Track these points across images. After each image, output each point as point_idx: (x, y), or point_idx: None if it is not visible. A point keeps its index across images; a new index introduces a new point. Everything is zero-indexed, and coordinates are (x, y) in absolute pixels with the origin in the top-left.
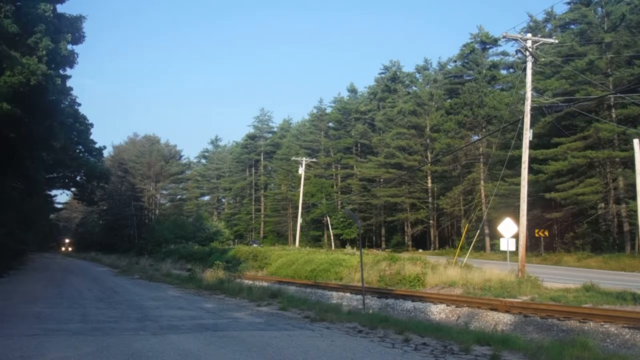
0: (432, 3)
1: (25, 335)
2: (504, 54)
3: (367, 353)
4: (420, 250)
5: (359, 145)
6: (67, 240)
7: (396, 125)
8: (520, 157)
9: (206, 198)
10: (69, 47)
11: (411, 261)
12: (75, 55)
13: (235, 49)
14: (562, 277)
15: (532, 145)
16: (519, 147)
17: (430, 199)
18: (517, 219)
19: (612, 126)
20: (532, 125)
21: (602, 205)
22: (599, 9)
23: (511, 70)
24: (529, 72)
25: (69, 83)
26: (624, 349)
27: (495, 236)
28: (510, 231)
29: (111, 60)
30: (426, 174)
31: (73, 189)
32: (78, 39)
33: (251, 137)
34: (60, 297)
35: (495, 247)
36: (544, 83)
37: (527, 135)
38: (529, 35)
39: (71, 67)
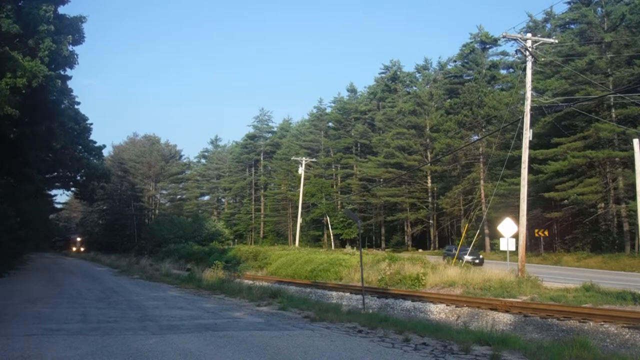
0: (432, 3)
1: (25, 335)
2: (504, 54)
3: (367, 353)
4: (420, 250)
5: (358, 145)
6: (78, 239)
7: (396, 125)
8: (520, 157)
9: (206, 198)
10: (70, 47)
11: (411, 261)
12: (76, 56)
13: (236, 49)
14: (561, 277)
15: (532, 145)
16: (518, 147)
17: (430, 199)
18: (517, 218)
19: (612, 126)
20: (532, 125)
21: (602, 205)
22: (599, 8)
23: (511, 70)
24: (528, 72)
25: (68, 83)
26: (624, 349)
27: (495, 236)
28: (510, 231)
29: (111, 61)
30: (426, 174)
31: (73, 189)
32: (78, 40)
33: (251, 137)
34: (60, 297)
35: (495, 246)
36: (544, 83)
37: (527, 135)
38: (529, 35)
39: (71, 67)
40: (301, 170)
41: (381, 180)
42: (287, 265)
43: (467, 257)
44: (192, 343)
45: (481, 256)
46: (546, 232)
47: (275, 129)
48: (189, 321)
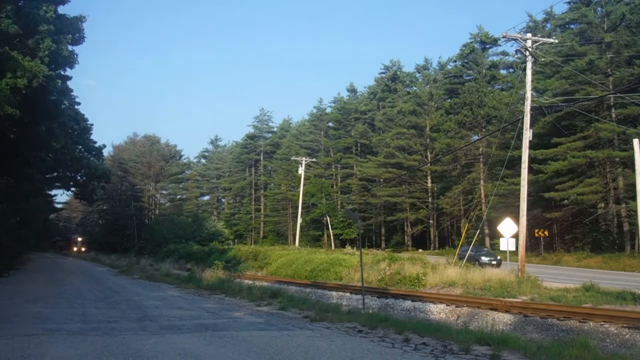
0: (432, 3)
1: (25, 335)
2: (504, 54)
3: (367, 353)
4: (420, 250)
5: (358, 145)
6: (79, 239)
7: (396, 125)
8: (520, 157)
9: (206, 198)
10: (69, 47)
11: (411, 261)
12: (75, 56)
13: (235, 49)
14: (561, 277)
15: (532, 145)
16: (518, 147)
17: (430, 199)
18: (517, 218)
19: (612, 126)
20: (532, 125)
21: (602, 205)
22: (599, 8)
23: (511, 70)
24: (528, 72)
25: (69, 83)
26: (624, 349)
27: (495, 236)
28: (510, 231)
29: (111, 61)
30: (426, 174)
31: (73, 189)
32: (78, 39)
33: (251, 137)
34: (60, 297)
35: (495, 247)
36: (544, 83)
37: (527, 135)
38: (529, 35)
39: (71, 67)
40: (301, 170)
41: (381, 180)
42: (287, 265)
43: (484, 259)
44: (192, 343)
45: (499, 257)
46: (546, 232)
47: (275, 129)
48: (189, 321)
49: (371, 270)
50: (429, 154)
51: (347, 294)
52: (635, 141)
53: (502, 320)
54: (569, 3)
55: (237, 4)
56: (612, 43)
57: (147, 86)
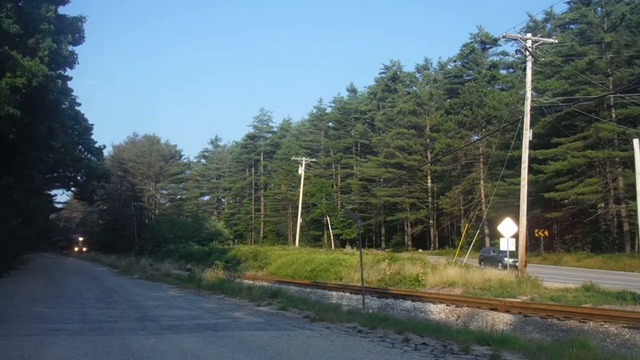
0: (433, 3)
1: (25, 335)
2: (504, 54)
3: (367, 353)
4: (420, 250)
5: (358, 145)
6: (80, 239)
7: (396, 125)
8: (520, 157)
9: (206, 198)
10: (69, 47)
11: (411, 261)
12: (75, 56)
13: (235, 49)
14: (561, 277)
15: (532, 145)
16: (518, 147)
17: (430, 199)
18: (517, 218)
19: (612, 126)
20: (532, 125)
21: (602, 205)
22: (599, 8)
23: (511, 70)
24: (528, 72)
25: (69, 84)
26: (624, 349)
27: (495, 236)
28: (510, 231)
29: (111, 61)
30: (426, 174)
31: (73, 189)
32: (78, 39)
33: (251, 137)
34: (60, 297)
35: (495, 247)
36: (544, 83)
37: (527, 135)
38: (529, 35)
39: (71, 67)
40: (301, 170)
41: (381, 180)
42: (287, 265)
43: (509, 260)
44: (192, 343)
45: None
46: (546, 232)
47: (275, 129)
48: (189, 321)
49: (371, 270)
50: (429, 154)
51: (347, 294)
52: (635, 141)
53: (502, 320)
54: (569, 3)
55: (238, 3)
56: (612, 43)
57: (147, 86)
